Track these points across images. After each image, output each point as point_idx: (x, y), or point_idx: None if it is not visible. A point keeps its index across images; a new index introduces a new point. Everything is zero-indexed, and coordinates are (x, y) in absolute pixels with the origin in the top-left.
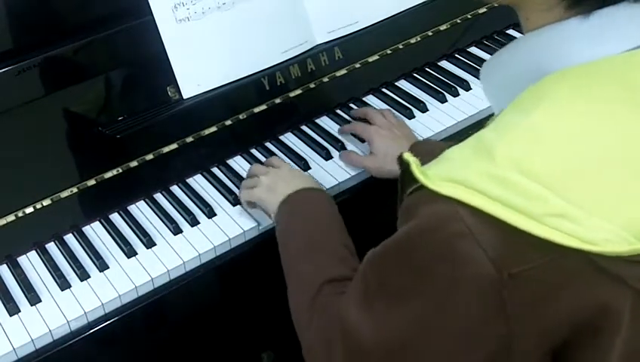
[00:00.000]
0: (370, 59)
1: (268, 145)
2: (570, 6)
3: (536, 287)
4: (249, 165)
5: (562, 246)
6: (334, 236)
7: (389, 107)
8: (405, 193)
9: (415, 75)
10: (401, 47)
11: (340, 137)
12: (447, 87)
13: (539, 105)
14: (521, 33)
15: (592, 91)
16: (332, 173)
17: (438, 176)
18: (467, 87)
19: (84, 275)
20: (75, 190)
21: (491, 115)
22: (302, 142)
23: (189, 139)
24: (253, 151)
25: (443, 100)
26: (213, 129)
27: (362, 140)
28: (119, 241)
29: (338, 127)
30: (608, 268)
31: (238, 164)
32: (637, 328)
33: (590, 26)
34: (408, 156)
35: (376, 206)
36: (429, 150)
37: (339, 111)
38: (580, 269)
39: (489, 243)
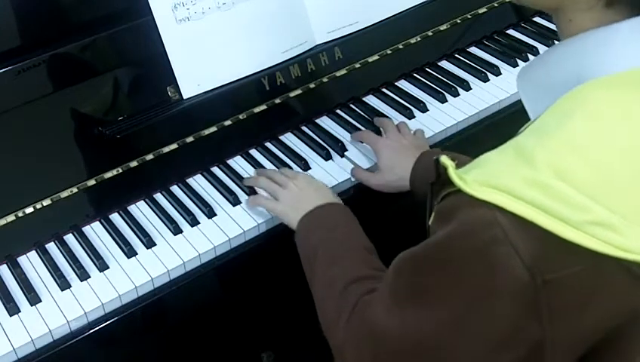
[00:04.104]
0: (370, 59)
1: (268, 145)
2: (607, 5)
3: (570, 293)
4: (249, 165)
5: (599, 253)
6: (354, 241)
7: (389, 107)
8: (440, 195)
9: (415, 75)
10: (401, 47)
11: (339, 137)
12: (447, 87)
13: (578, 111)
14: (521, 33)
15: (631, 99)
16: (332, 173)
17: (477, 181)
18: (467, 87)
19: (84, 275)
20: (75, 190)
21: (524, 119)
22: (302, 142)
23: (189, 139)
24: (253, 151)
25: (443, 100)
26: (213, 129)
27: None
28: (119, 241)
29: (338, 127)
30: None
31: (238, 164)
32: None
33: (631, 33)
34: (445, 160)
35: (377, 206)
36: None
37: (339, 112)
38: (616, 277)
39: (525, 249)
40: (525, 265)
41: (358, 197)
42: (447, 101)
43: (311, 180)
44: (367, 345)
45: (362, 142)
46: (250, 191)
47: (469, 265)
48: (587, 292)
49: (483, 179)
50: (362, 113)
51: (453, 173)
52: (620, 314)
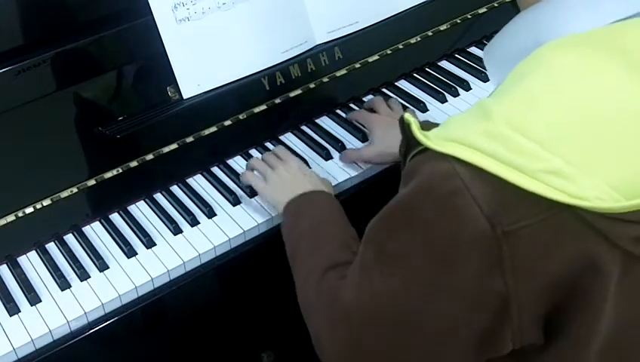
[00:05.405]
0: (370, 59)
1: (268, 145)
2: None
3: (530, 245)
4: None
5: (554, 201)
6: (338, 228)
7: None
8: (408, 158)
9: (415, 75)
10: (401, 47)
11: (339, 137)
12: (447, 87)
13: (534, 70)
14: None
15: (584, 57)
16: (332, 173)
17: (438, 137)
18: (467, 87)
19: (84, 275)
20: (75, 190)
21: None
22: (302, 142)
23: (189, 139)
24: (253, 151)
25: (443, 100)
26: (213, 129)
27: (363, 140)
28: (119, 241)
29: (338, 127)
30: (599, 226)
31: (238, 164)
32: (625, 293)
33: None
34: (409, 117)
35: (377, 206)
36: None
37: (339, 111)
38: (572, 227)
39: (484, 198)
40: (485, 214)
41: (358, 197)
42: (447, 101)
43: (301, 165)
44: (341, 327)
45: (358, 122)
46: (251, 192)
47: (432, 220)
48: (546, 244)
49: (444, 134)
50: None
51: (415, 129)
52: (578, 266)
